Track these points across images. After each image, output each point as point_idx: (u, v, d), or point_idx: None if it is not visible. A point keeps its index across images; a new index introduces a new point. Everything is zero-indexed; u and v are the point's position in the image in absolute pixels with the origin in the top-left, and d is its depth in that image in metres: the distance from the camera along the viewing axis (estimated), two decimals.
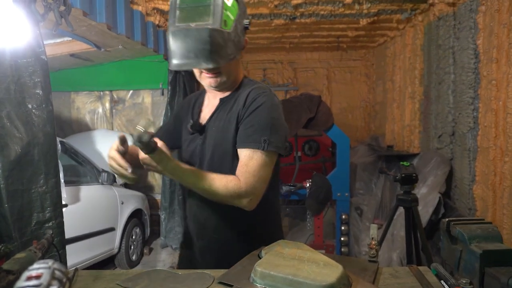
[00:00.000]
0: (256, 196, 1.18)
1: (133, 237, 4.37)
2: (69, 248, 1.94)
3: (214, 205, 1.23)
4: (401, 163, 2.45)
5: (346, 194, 3.61)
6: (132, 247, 4.33)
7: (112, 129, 5.54)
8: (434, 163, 3.41)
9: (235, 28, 1.18)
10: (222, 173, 1.18)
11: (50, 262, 0.75)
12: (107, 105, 5.56)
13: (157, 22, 3.80)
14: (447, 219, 1.18)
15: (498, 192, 2.71)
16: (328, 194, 3.55)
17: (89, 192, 3.70)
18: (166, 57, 4.29)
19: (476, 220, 1.19)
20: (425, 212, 3.06)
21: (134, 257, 4.35)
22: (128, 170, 1.09)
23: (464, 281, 0.91)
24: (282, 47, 5.54)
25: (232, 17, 1.17)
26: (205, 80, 1.27)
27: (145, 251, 4.61)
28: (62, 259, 1.51)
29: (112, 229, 3.95)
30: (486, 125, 2.83)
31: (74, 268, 1.12)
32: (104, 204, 3.93)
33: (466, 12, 3.10)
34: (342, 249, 3.59)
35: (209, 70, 1.23)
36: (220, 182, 1.14)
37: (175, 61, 1.16)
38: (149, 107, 5.40)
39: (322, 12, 3.79)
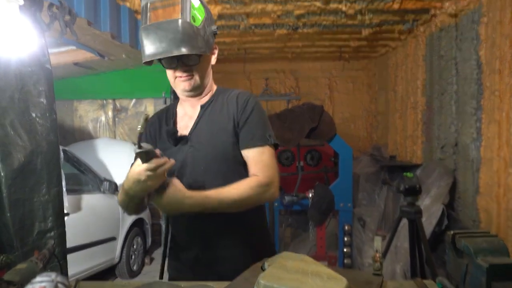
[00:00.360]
0: (276, 183, 1.28)
1: (134, 246, 4.34)
2: (69, 257, 1.92)
3: (210, 215, 1.22)
4: (405, 174, 2.43)
5: (349, 204, 3.58)
6: (133, 257, 4.30)
7: (115, 137, 5.55)
8: (437, 174, 3.39)
9: (203, 27, 1.23)
10: (221, 175, 1.25)
11: (53, 275, 0.74)
12: (110, 113, 5.58)
13: None
14: (452, 232, 1.17)
15: (502, 204, 2.69)
16: (331, 205, 3.53)
17: (91, 201, 3.69)
18: None
19: (482, 233, 1.18)
20: (428, 223, 3.04)
21: (135, 267, 4.32)
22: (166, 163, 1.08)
23: None
24: (284, 57, 5.57)
25: (200, 17, 1.22)
26: (179, 84, 1.29)
27: (146, 261, 4.58)
28: (63, 270, 1.50)
29: (113, 239, 3.93)
30: (490, 136, 2.82)
31: (75, 279, 1.11)
32: (106, 213, 3.91)
33: (468, 23, 3.11)
34: (345, 261, 3.55)
35: (182, 71, 1.26)
36: (243, 188, 1.20)
37: (147, 52, 1.19)
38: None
39: (324, 23, 3.82)
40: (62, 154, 3.31)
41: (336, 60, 5.81)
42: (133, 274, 4.23)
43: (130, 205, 1.24)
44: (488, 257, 1.02)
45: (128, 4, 3.15)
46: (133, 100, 5.51)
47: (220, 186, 1.21)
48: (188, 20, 1.17)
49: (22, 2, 1.56)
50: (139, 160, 1.08)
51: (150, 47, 1.18)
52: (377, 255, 1.17)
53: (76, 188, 3.72)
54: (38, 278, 0.73)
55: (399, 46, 4.74)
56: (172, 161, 1.11)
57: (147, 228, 4.65)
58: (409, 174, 2.42)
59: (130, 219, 4.21)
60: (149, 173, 1.06)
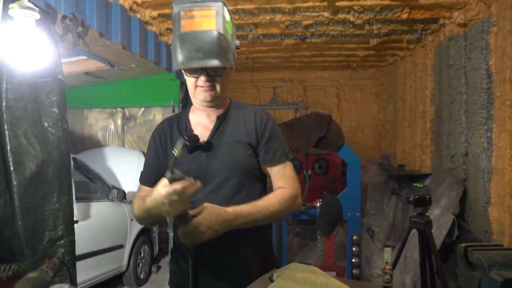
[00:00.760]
0: (300, 193, 1.37)
1: (142, 254, 4.34)
2: (78, 265, 1.93)
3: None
4: (414, 184, 2.41)
5: (357, 214, 3.55)
6: (140, 265, 4.30)
7: (123, 145, 5.60)
8: (447, 184, 3.35)
9: (232, 40, 1.28)
10: (237, 185, 1.29)
11: (66, 286, 0.74)
12: (119, 122, 5.64)
13: (170, 42, 3.89)
14: (464, 245, 1.15)
15: None
16: (339, 214, 3.49)
17: (99, 209, 3.72)
18: (178, 75, 4.35)
19: (495, 246, 1.16)
20: (438, 234, 2.99)
21: (142, 275, 4.31)
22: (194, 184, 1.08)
23: None
24: (292, 66, 5.59)
25: (229, 31, 1.27)
26: (200, 94, 1.30)
27: (153, 269, 4.58)
28: (73, 278, 1.51)
29: (121, 246, 3.94)
30: (501, 146, 2.79)
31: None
32: (114, 221, 3.93)
33: (477, 33, 3.10)
34: (353, 271, 3.50)
35: (205, 81, 1.27)
36: (277, 200, 1.28)
37: (181, 59, 1.19)
38: None
39: (332, 32, 3.83)
40: (72, 162, 3.35)
41: (344, 69, 5.82)
42: (140, 283, 4.23)
43: (148, 221, 1.28)
44: (502, 271, 1.01)
45: (138, 16, 3.20)
46: (142, 109, 5.57)
47: (235, 196, 1.26)
48: (223, 32, 1.19)
49: (38, 16, 1.59)
50: (164, 180, 1.07)
51: (185, 55, 1.19)
52: (387, 267, 1.16)
53: (85, 196, 3.75)
54: None
55: (407, 55, 4.73)
56: (198, 184, 1.10)
57: (154, 236, 4.66)
58: (419, 185, 2.40)
59: (137, 227, 4.22)
60: (174, 197, 1.04)
